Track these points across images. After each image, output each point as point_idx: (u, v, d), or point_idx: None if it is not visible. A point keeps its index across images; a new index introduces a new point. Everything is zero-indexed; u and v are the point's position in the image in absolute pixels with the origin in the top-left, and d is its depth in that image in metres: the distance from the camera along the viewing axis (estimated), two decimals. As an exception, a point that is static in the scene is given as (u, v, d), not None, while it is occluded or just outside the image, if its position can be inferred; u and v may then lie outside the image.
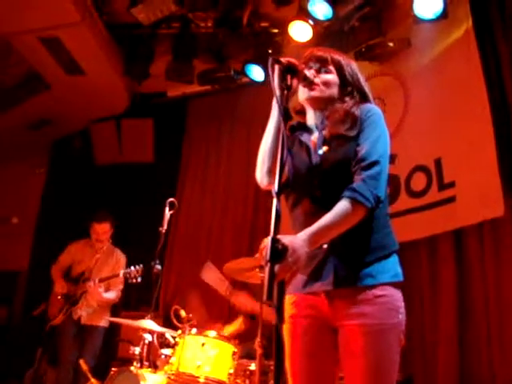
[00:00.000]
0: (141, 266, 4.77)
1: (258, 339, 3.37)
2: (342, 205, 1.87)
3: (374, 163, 1.94)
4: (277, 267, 1.61)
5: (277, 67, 1.95)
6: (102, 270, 5.23)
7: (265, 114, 2.24)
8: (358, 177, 1.92)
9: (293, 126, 2.27)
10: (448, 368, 4.33)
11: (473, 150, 4.49)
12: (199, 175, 7.12)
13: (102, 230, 5.34)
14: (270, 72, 1.92)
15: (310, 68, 2.17)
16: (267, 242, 1.64)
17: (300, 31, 5.41)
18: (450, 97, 4.82)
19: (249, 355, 3.89)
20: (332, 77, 2.18)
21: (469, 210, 4.45)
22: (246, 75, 6.14)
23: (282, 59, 1.94)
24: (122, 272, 4.84)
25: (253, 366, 3.67)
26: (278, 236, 1.66)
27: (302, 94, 2.17)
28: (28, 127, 7.31)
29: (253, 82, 6.22)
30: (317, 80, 2.15)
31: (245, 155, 6.57)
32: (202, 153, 7.21)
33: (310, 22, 5.27)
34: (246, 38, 5.96)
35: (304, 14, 5.26)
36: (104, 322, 5.22)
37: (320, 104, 2.17)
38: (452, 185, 4.61)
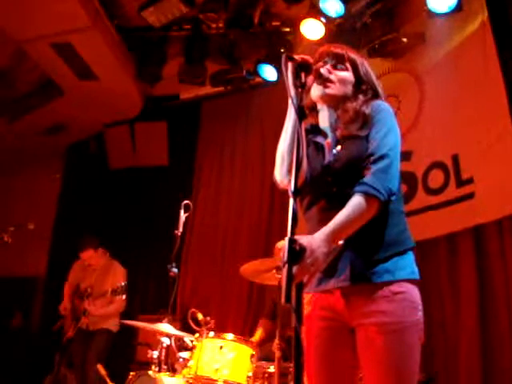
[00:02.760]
0: (125, 283, 4.88)
1: (277, 341, 3.34)
2: (355, 200, 1.85)
3: (383, 156, 1.92)
4: (295, 269, 1.57)
5: (290, 64, 1.90)
6: (103, 285, 5.32)
7: (279, 113, 2.20)
8: (368, 171, 1.91)
9: (307, 129, 2.23)
10: (470, 364, 4.27)
11: (490, 145, 4.42)
12: (214, 177, 7.10)
13: (87, 256, 5.50)
14: (284, 69, 1.88)
15: (326, 63, 2.13)
16: (284, 242, 1.59)
17: (312, 29, 5.36)
18: (466, 91, 4.75)
19: (267, 357, 3.86)
20: (348, 74, 2.14)
21: (488, 206, 4.39)
22: (258, 75, 6.11)
23: (296, 56, 1.91)
24: (110, 290, 4.89)
25: (271, 369, 3.62)
26: (296, 236, 1.61)
27: (316, 91, 2.13)
28: (42, 133, 7.35)
29: (266, 82, 6.20)
30: (332, 77, 2.11)
31: (259, 156, 6.55)
32: (217, 154, 7.19)
33: (322, 19, 5.23)
34: (257, 38, 5.94)
35: (315, 11, 5.22)
36: (110, 324, 5.34)
37: (334, 101, 2.13)
38: (470, 181, 4.55)
